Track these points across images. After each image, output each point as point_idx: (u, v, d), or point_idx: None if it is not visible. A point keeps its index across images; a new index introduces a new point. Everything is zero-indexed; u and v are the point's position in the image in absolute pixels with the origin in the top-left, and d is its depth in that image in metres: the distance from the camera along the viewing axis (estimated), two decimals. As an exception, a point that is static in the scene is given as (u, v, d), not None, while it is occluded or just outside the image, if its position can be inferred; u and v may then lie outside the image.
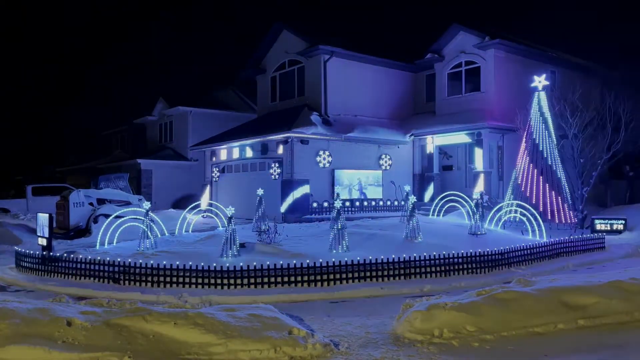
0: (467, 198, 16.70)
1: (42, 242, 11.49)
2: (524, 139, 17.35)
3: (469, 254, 10.91)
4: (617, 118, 17.99)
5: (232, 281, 9.57)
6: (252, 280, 9.61)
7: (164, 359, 5.68)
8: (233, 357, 5.81)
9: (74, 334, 5.82)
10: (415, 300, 7.34)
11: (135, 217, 13.70)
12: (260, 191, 16.24)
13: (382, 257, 10.29)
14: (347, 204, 19.86)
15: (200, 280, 9.61)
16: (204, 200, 22.75)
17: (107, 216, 15.18)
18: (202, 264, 9.75)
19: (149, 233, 12.61)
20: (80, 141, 47.19)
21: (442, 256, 10.65)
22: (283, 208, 19.52)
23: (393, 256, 10.36)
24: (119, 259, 10.25)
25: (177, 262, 9.88)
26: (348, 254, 11.25)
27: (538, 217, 14.36)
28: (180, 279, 9.68)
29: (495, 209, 15.56)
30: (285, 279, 9.69)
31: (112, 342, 5.77)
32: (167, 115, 32.17)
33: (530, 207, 14.56)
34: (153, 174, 29.44)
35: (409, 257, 10.43)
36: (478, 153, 20.18)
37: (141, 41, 69.65)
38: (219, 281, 9.57)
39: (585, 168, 17.75)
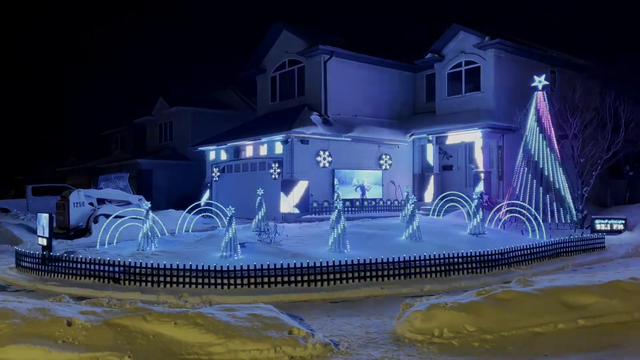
0: (467, 198, 16.69)
1: (42, 242, 11.48)
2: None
3: (469, 254, 10.91)
4: (617, 118, 17.98)
5: (232, 281, 9.57)
6: (252, 280, 9.61)
7: (164, 359, 5.68)
8: (233, 357, 5.81)
9: (74, 333, 5.82)
10: (415, 300, 7.35)
11: (135, 217, 13.68)
12: (260, 191, 16.23)
13: (382, 257, 10.28)
14: (347, 204, 19.84)
15: (200, 280, 9.61)
16: (204, 200, 22.73)
17: (107, 216, 15.15)
18: (202, 264, 9.75)
19: (149, 233, 12.61)
20: (80, 141, 47.18)
21: (442, 256, 10.65)
22: (283, 208, 19.51)
23: (393, 256, 10.36)
24: (119, 259, 10.25)
25: (177, 262, 9.87)
26: (348, 254, 11.25)
27: (538, 217, 14.35)
28: (180, 279, 9.68)
29: (495, 209, 15.56)
30: (285, 279, 9.69)
31: (112, 342, 5.77)
32: (167, 115, 32.16)
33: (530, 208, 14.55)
34: (153, 174, 29.44)
35: (409, 257, 10.43)
36: (478, 153, 20.18)
37: (141, 41, 69.68)
38: (219, 281, 9.56)
39: (585, 168, 17.75)
